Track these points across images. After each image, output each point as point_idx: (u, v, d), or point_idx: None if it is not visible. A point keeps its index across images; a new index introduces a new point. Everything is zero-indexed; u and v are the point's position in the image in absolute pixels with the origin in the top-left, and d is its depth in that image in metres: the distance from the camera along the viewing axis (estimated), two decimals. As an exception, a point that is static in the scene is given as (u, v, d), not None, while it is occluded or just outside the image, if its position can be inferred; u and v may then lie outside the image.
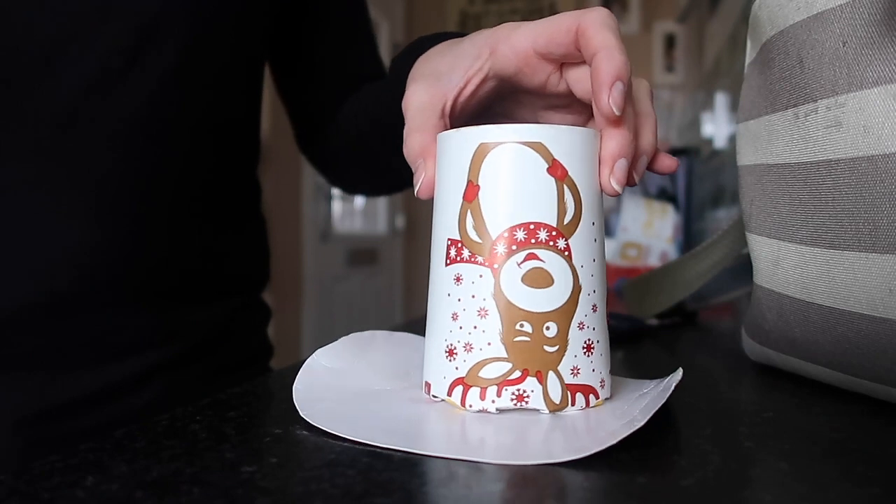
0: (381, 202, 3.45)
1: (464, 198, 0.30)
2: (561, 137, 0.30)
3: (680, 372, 0.31)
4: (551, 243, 0.29)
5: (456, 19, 3.54)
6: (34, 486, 0.22)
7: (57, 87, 0.42)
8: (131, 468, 0.23)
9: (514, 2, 3.47)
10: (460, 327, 0.30)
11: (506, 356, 0.29)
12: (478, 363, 0.29)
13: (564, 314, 0.29)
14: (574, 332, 0.30)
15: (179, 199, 0.48)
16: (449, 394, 0.30)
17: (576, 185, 0.30)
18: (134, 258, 0.46)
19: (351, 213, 3.24)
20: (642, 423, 0.26)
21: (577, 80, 0.35)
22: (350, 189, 0.68)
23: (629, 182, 0.33)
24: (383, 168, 0.56)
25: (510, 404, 0.29)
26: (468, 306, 0.30)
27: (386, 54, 3.34)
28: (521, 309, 0.29)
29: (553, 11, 3.39)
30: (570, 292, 0.30)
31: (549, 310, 0.29)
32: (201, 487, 0.22)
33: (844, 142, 0.30)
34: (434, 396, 0.31)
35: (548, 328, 0.29)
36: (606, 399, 0.31)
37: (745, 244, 0.49)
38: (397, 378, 0.34)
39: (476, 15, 3.53)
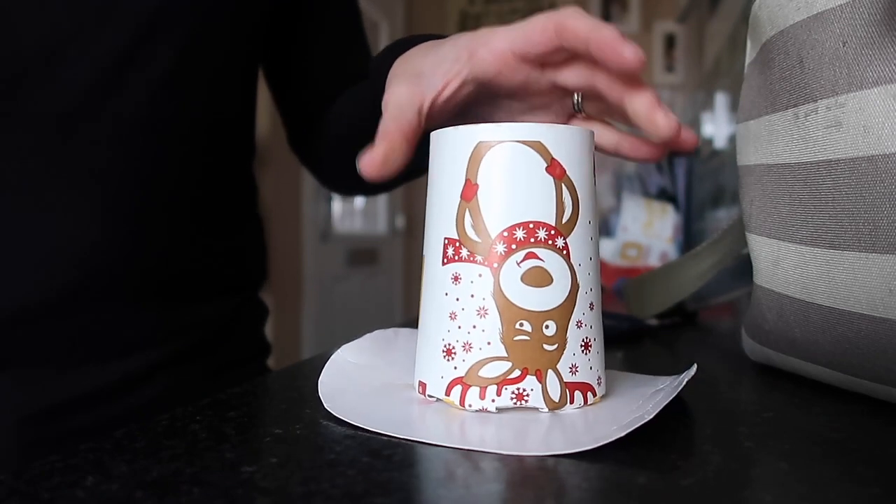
0: (381, 202, 3.45)
1: (462, 196, 0.30)
2: (559, 136, 0.30)
3: (694, 367, 0.31)
4: (550, 242, 0.29)
5: (456, 19, 3.54)
6: (34, 486, 0.22)
7: (56, 87, 0.42)
8: (131, 468, 0.23)
9: (514, 2, 3.47)
10: (459, 327, 0.30)
11: (505, 355, 0.29)
12: (477, 362, 0.29)
13: (563, 312, 0.29)
14: (572, 331, 0.30)
15: (177, 198, 0.48)
16: (447, 393, 0.30)
17: (573, 184, 0.30)
18: (133, 257, 0.46)
19: (351, 213, 3.24)
20: (652, 416, 0.26)
21: (569, 75, 0.36)
22: (340, 189, 0.68)
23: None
24: None
25: (510, 403, 0.29)
26: (467, 306, 0.30)
27: (386, 54, 3.34)
28: (520, 308, 0.29)
29: (553, 11, 3.39)
30: (568, 291, 0.30)
31: (548, 308, 0.29)
32: (201, 487, 0.22)
33: (844, 142, 0.30)
34: (430, 396, 0.31)
35: (547, 327, 0.29)
36: (603, 396, 0.31)
37: (745, 244, 0.49)
38: None
39: (476, 15, 3.53)
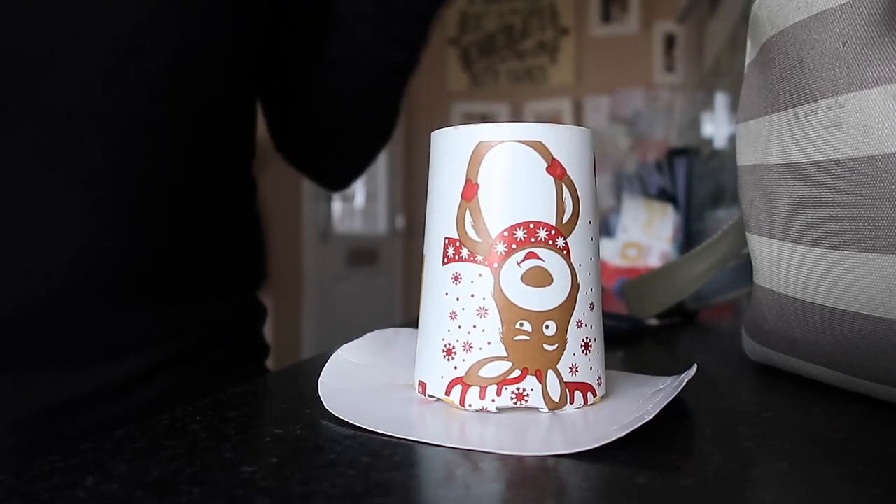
0: (381, 202, 3.45)
1: (462, 196, 0.30)
2: (560, 136, 0.30)
3: (694, 368, 0.31)
4: (550, 242, 0.29)
5: (456, 19, 3.54)
6: (34, 486, 0.22)
7: (54, 84, 0.42)
8: (131, 468, 0.23)
9: (514, 2, 3.47)
10: (459, 326, 0.30)
11: (506, 355, 0.29)
12: (477, 362, 0.29)
13: (563, 313, 0.29)
14: (573, 331, 0.30)
15: (176, 197, 0.48)
16: (447, 393, 0.30)
17: (574, 184, 0.30)
18: (132, 256, 0.46)
19: (351, 213, 3.24)
20: (652, 416, 0.26)
21: None
22: (335, 168, 0.69)
23: None
24: (377, 80, 0.61)
25: (510, 403, 0.29)
26: (467, 305, 0.30)
27: (386, 54, 3.34)
28: (521, 308, 0.29)
29: (553, 11, 3.40)
30: (568, 291, 0.30)
31: (548, 308, 0.29)
32: (201, 487, 0.22)
33: (844, 142, 0.30)
34: (430, 396, 0.31)
35: (547, 327, 0.29)
36: (603, 396, 0.31)
37: (745, 244, 0.49)
38: None
39: (476, 15, 3.53)
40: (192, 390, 0.51)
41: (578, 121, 3.35)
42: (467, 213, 0.30)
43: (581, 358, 0.30)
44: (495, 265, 0.29)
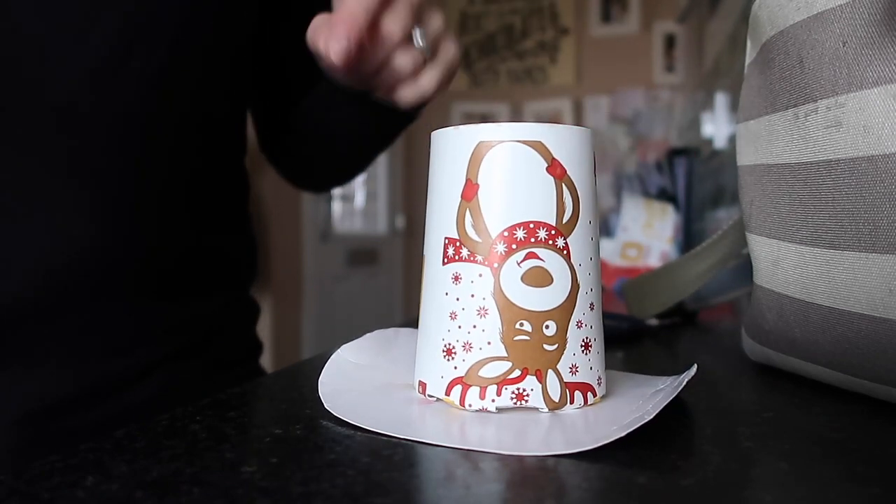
0: (381, 202, 3.45)
1: (462, 196, 0.30)
2: (560, 136, 0.30)
3: (694, 368, 0.31)
4: (550, 242, 0.29)
5: (456, 19, 3.54)
6: (34, 486, 0.22)
7: (50, 81, 0.42)
8: (131, 468, 0.23)
9: (514, 2, 3.47)
10: (459, 326, 0.30)
11: (505, 355, 0.29)
12: (477, 362, 0.29)
13: (563, 313, 0.29)
14: (573, 331, 0.30)
15: (168, 194, 0.49)
16: (447, 393, 0.30)
17: (574, 184, 0.30)
18: (127, 253, 0.46)
19: (351, 213, 3.24)
20: (652, 416, 0.26)
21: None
22: (313, 181, 0.69)
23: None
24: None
25: (510, 403, 0.29)
26: (467, 305, 0.30)
27: (386, 54, 3.33)
28: (521, 308, 0.29)
29: (553, 12, 3.40)
30: (568, 291, 0.30)
31: (548, 308, 0.29)
32: (201, 487, 0.22)
33: (844, 142, 0.30)
34: (430, 396, 0.31)
35: (547, 327, 0.29)
36: (603, 396, 0.31)
37: (745, 244, 0.49)
38: None
39: (476, 15, 3.53)
40: (190, 387, 0.51)
41: (578, 121, 3.35)
42: (467, 213, 0.30)
43: (581, 358, 0.30)
44: (495, 265, 0.29)
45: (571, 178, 0.30)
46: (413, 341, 0.39)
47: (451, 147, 0.31)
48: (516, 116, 3.44)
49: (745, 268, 0.55)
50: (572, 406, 0.30)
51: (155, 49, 0.45)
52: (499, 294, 0.29)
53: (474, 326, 0.29)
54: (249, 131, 0.60)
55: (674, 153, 1.32)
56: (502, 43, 3.49)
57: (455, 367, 0.30)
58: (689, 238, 1.22)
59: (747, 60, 0.39)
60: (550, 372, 0.29)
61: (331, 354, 0.36)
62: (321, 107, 0.57)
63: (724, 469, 0.23)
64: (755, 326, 0.39)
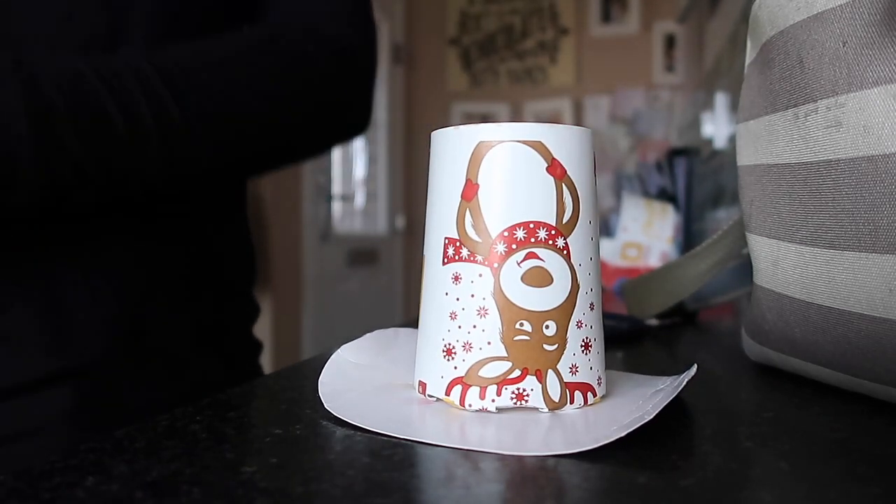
0: (381, 202, 3.45)
1: (462, 196, 0.30)
2: (560, 136, 0.30)
3: (694, 368, 0.31)
4: (550, 242, 0.29)
5: (456, 19, 3.54)
6: (34, 486, 0.22)
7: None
8: (131, 468, 0.23)
9: (514, 2, 3.47)
10: (459, 326, 0.30)
11: (505, 355, 0.29)
12: (477, 362, 0.29)
13: (563, 313, 0.29)
14: (573, 331, 0.30)
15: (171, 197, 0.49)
16: (447, 393, 0.30)
17: (574, 184, 0.30)
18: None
19: (351, 213, 3.24)
20: (652, 416, 0.26)
21: None
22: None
23: None
24: None
25: (510, 403, 0.29)
26: (467, 305, 0.30)
27: (386, 54, 3.34)
28: (520, 308, 0.29)
29: (553, 12, 3.40)
30: (568, 291, 0.30)
31: (548, 308, 0.29)
32: (201, 487, 0.22)
33: (844, 142, 0.30)
34: (430, 396, 0.31)
35: (547, 327, 0.29)
36: (603, 396, 0.31)
37: (745, 244, 0.49)
38: None
39: (476, 15, 3.52)
40: (191, 387, 0.51)
41: (578, 121, 3.35)
42: (467, 213, 0.30)
43: (581, 358, 0.30)
44: (495, 265, 0.29)
45: (571, 178, 0.30)
46: (413, 341, 0.39)
47: (451, 147, 0.31)
48: (516, 116, 3.44)
49: (745, 268, 0.55)
50: (572, 406, 0.30)
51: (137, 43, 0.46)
52: (499, 294, 0.29)
53: (474, 326, 0.29)
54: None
55: (674, 153, 1.32)
56: (502, 43, 3.49)
57: (455, 367, 0.30)
58: (689, 238, 1.22)
59: (747, 60, 0.39)
60: (550, 372, 0.29)
61: (331, 354, 0.36)
62: None
63: (724, 469, 0.23)
64: (755, 326, 0.39)
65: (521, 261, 0.29)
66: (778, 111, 0.34)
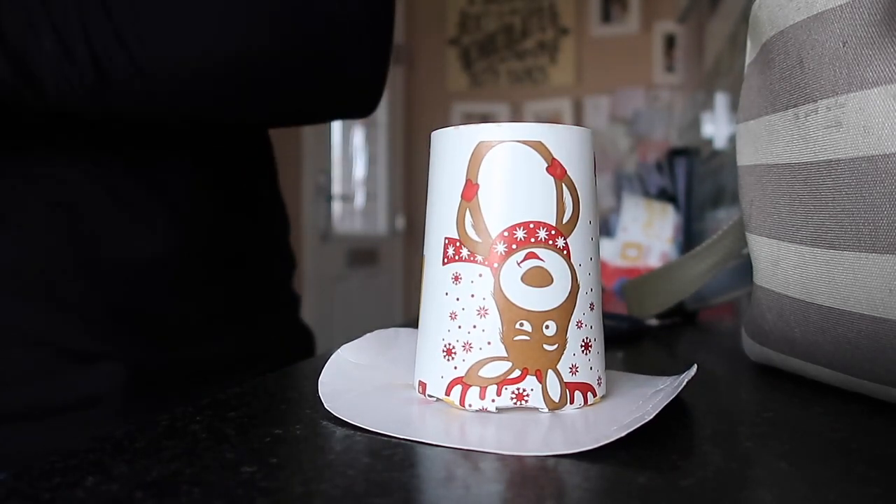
0: (381, 202, 3.45)
1: (462, 196, 0.30)
2: (560, 136, 0.30)
3: (694, 368, 0.31)
4: (550, 242, 0.29)
5: (456, 19, 3.54)
6: (34, 486, 0.22)
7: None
8: (131, 468, 0.23)
9: (514, 2, 3.47)
10: (459, 326, 0.30)
11: (505, 355, 0.29)
12: (477, 362, 0.29)
13: (563, 313, 0.29)
14: (573, 331, 0.30)
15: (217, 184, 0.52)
16: (447, 393, 0.30)
17: (574, 185, 0.30)
18: (190, 248, 0.50)
19: (351, 213, 3.24)
20: (652, 416, 0.26)
21: None
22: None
23: None
24: None
25: (510, 403, 0.29)
26: (467, 305, 0.30)
27: (386, 54, 3.33)
28: (520, 308, 0.29)
29: (553, 12, 3.40)
30: (568, 291, 0.30)
31: (548, 308, 0.29)
32: (201, 487, 0.22)
33: (844, 142, 0.30)
34: (430, 396, 0.31)
35: (547, 327, 0.29)
36: (603, 396, 0.31)
37: (745, 244, 0.49)
38: None
39: (476, 15, 3.52)
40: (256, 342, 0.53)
41: (578, 121, 3.35)
42: (467, 213, 0.30)
43: (581, 358, 0.30)
44: (495, 265, 0.29)
45: (571, 178, 0.30)
46: (413, 341, 0.39)
47: (451, 147, 0.31)
48: (516, 116, 3.44)
49: (745, 268, 0.55)
50: (572, 406, 0.30)
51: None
52: (499, 294, 0.29)
53: (474, 326, 0.29)
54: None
55: (674, 153, 1.32)
56: (502, 43, 3.49)
57: (455, 367, 0.30)
58: (689, 238, 1.22)
59: (747, 60, 0.39)
60: (550, 372, 0.29)
61: (331, 354, 0.36)
62: None
63: (724, 469, 0.23)
64: (755, 326, 0.39)
65: (521, 261, 0.29)
66: (778, 111, 0.34)
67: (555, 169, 0.29)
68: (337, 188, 3.02)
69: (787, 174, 0.34)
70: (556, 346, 0.29)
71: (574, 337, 0.30)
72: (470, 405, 0.29)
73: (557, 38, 3.40)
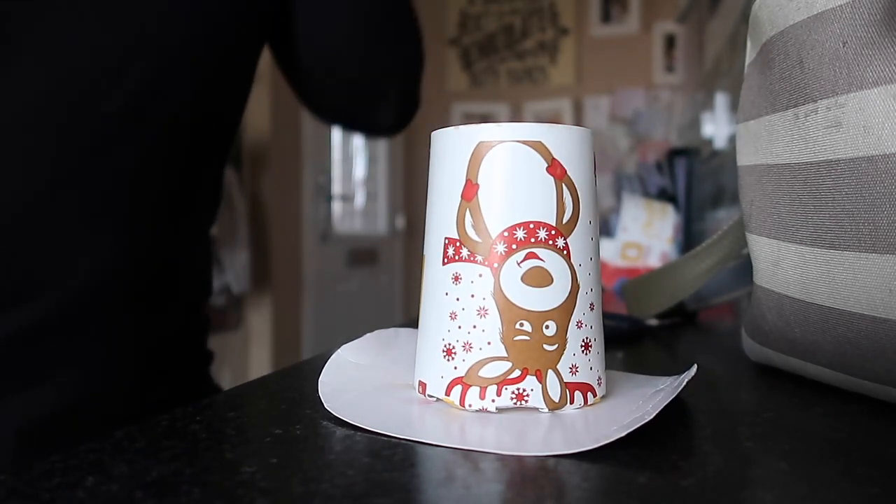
0: (381, 202, 3.45)
1: (462, 196, 0.30)
2: (560, 136, 0.30)
3: (694, 368, 0.31)
4: (550, 242, 0.29)
5: (456, 19, 3.54)
6: (34, 486, 0.22)
7: (91, 120, 0.44)
8: (131, 468, 0.23)
9: (514, 2, 3.47)
10: (459, 327, 0.30)
11: (505, 355, 0.29)
12: (477, 362, 0.29)
13: (563, 313, 0.29)
14: (573, 331, 0.30)
15: (159, 208, 0.49)
16: (447, 393, 0.30)
17: (574, 185, 0.30)
18: (127, 265, 0.47)
19: (351, 213, 3.24)
20: (652, 417, 0.26)
21: None
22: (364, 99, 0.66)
23: None
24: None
25: (510, 403, 0.29)
26: (467, 305, 0.30)
27: (386, 54, 3.33)
28: (520, 308, 0.29)
29: (553, 12, 3.40)
30: (568, 291, 0.30)
31: (548, 308, 0.29)
32: (201, 487, 0.22)
33: (844, 142, 0.30)
34: (430, 396, 0.31)
35: (547, 327, 0.29)
36: (603, 396, 0.31)
37: (745, 244, 0.49)
38: None
39: (476, 15, 3.52)
40: (146, 397, 0.51)
41: (578, 121, 3.35)
42: (467, 213, 0.30)
43: (581, 358, 0.30)
44: (495, 265, 0.29)
45: (571, 178, 0.30)
46: (413, 341, 0.39)
47: (451, 147, 0.31)
48: (516, 116, 3.44)
49: (745, 268, 0.55)
50: (572, 406, 0.30)
51: (176, 93, 0.47)
52: (499, 294, 0.29)
53: (474, 326, 0.29)
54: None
55: (674, 153, 1.32)
56: (502, 43, 3.49)
57: (455, 368, 0.30)
58: (689, 238, 1.22)
59: (747, 60, 0.39)
60: (550, 372, 0.29)
61: (331, 354, 0.36)
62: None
63: (724, 469, 0.23)
64: (755, 326, 0.39)
65: (521, 261, 0.29)
66: (778, 111, 0.34)
67: (555, 169, 0.29)
68: (337, 188, 3.02)
69: (787, 174, 0.34)
70: (556, 346, 0.29)
71: (574, 337, 0.30)
72: (470, 405, 0.29)
73: (557, 38, 3.40)
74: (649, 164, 1.34)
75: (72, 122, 0.44)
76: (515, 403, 0.29)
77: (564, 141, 0.30)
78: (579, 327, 0.30)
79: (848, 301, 0.31)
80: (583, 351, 0.30)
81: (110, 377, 0.48)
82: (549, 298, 0.29)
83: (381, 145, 3.40)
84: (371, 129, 0.69)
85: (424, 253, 0.32)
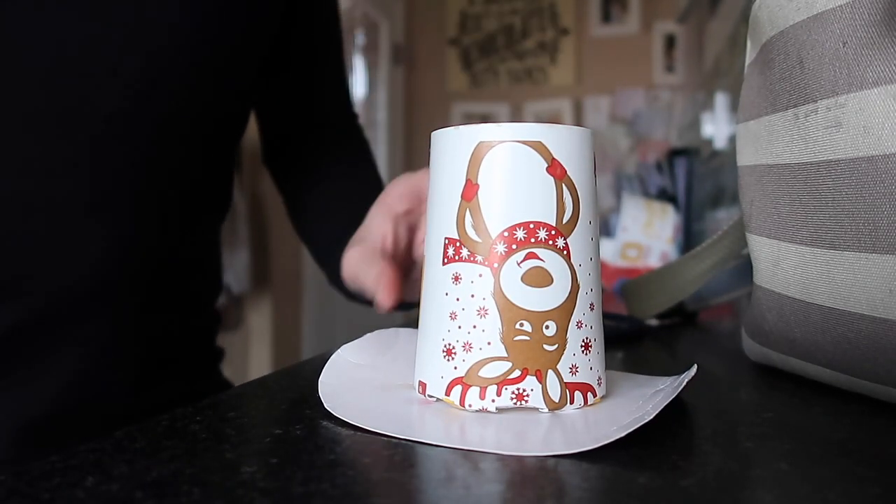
0: (381, 202, 3.44)
1: (462, 196, 0.30)
2: (560, 136, 0.30)
3: (694, 368, 0.31)
4: (550, 242, 0.29)
5: (456, 19, 3.54)
6: (34, 486, 0.22)
7: (90, 117, 0.44)
8: (131, 468, 0.23)
9: (514, 2, 3.47)
10: (459, 327, 0.30)
11: (506, 355, 0.29)
12: (477, 362, 0.29)
13: (563, 313, 0.29)
14: (573, 331, 0.30)
15: (167, 209, 0.49)
16: (447, 394, 0.30)
17: (574, 185, 0.30)
18: (128, 265, 0.47)
19: (351, 213, 3.24)
20: (652, 417, 0.26)
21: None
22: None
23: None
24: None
25: (510, 403, 0.29)
26: (467, 305, 0.30)
27: (386, 54, 3.34)
28: (520, 308, 0.29)
29: (553, 12, 3.40)
30: (568, 291, 0.30)
31: (548, 309, 0.29)
32: (201, 487, 0.22)
33: (844, 142, 0.30)
34: (430, 396, 0.31)
35: (547, 327, 0.29)
36: (603, 396, 0.31)
37: (745, 244, 0.49)
38: None
39: (476, 15, 3.52)
40: (165, 396, 0.51)
41: (578, 121, 3.35)
42: (467, 213, 0.30)
43: (581, 358, 0.30)
44: (495, 265, 0.29)
45: (571, 178, 0.30)
46: (413, 341, 0.39)
47: (451, 147, 0.31)
48: (516, 117, 3.44)
49: (745, 268, 0.55)
50: (572, 406, 0.30)
51: (175, 89, 0.47)
52: (499, 294, 0.29)
53: (474, 326, 0.29)
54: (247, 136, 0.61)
55: (674, 153, 1.32)
56: (502, 43, 3.49)
57: (455, 368, 0.30)
58: (689, 238, 1.22)
59: (747, 61, 0.39)
60: (550, 372, 0.29)
61: (331, 354, 0.36)
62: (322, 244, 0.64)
63: (724, 469, 0.23)
64: (755, 327, 0.39)
65: (521, 261, 0.29)
66: (778, 111, 0.34)
67: (555, 169, 0.29)
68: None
69: (787, 174, 0.34)
70: (556, 346, 0.29)
71: (574, 337, 0.30)
72: (470, 405, 0.29)
73: (557, 38, 3.40)
74: (649, 164, 1.34)
75: (69, 114, 0.44)
76: (515, 403, 0.29)
77: (564, 141, 0.30)
78: (579, 327, 0.30)
79: (848, 301, 0.31)
80: (583, 351, 0.30)
81: (114, 369, 0.48)
82: (549, 298, 0.29)
83: (381, 145, 3.39)
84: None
85: (424, 253, 0.32)
